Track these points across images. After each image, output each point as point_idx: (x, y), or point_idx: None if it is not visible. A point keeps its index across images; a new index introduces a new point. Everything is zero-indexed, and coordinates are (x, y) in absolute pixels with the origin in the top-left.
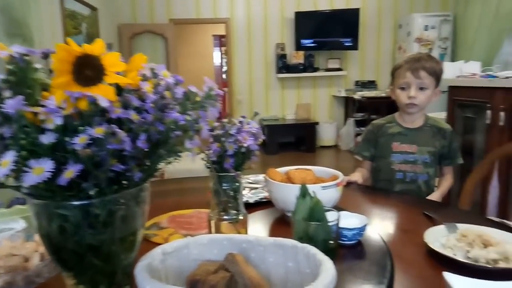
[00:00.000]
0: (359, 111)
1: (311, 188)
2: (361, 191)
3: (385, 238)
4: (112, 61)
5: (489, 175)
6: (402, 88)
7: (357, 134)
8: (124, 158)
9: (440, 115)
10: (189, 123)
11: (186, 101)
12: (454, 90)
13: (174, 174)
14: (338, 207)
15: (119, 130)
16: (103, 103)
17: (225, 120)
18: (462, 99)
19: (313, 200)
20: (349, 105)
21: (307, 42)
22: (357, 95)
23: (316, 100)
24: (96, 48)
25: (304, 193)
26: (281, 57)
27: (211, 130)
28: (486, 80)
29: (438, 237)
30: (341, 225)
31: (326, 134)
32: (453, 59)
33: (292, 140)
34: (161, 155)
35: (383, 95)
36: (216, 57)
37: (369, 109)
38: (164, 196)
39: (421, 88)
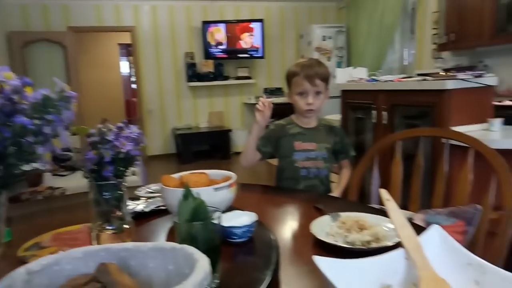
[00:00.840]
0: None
1: (203, 190)
2: (260, 191)
3: (277, 232)
4: None
5: (371, 168)
6: (300, 94)
7: None
8: None
9: (336, 117)
10: (39, 128)
11: (41, 105)
12: (345, 94)
13: (78, 189)
14: (233, 207)
15: None
16: None
17: (100, 125)
18: (353, 101)
19: (196, 201)
20: None
21: (215, 51)
22: None
23: (228, 107)
24: None
25: (186, 195)
26: (191, 66)
27: (88, 136)
28: (371, 84)
29: (323, 227)
30: (232, 223)
31: (240, 141)
32: (348, 66)
33: (207, 148)
34: (12, 163)
35: (290, 100)
36: (124, 66)
37: (278, 114)
38: (50, 214)
39: (317, 93)
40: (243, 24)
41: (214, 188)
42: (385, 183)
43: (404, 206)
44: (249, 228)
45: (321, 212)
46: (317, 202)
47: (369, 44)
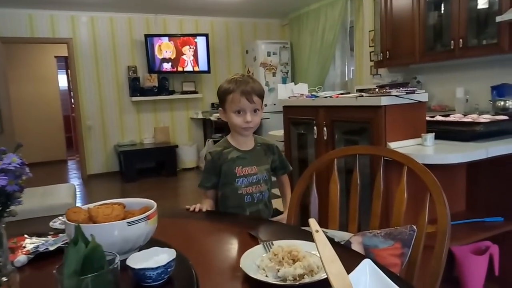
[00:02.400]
0: (217, 132)
1: (114, 225)
2: (192, 217)
3: (203, 268)
4: None
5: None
6: (237, 112)
7: None
8: None
9: (279, 133)
10: None
11: None
12: (287, 109)
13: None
14: (155, 241)
15: None
16: None
17: None
18: (294, 117)
19: (89, 246)
20: (207, 126)
21: (160, 65)
22: (214, 117)
23: (174, 123)
24: None
25: (76, 238)
26: (134, 80)
27: None
28: (311, 100)
29: (255, 259)
30: (146, 265)
31: (187, 157)
32: (293, 82)
33: (153, 165)
34: None
35: None
36: (62, 80)
37: (225, 129)
38: None
39: (254, 111)
40: (186, 38)
41: (128, 222)
42: (326, 202)
43: (346, 225)
44: (165, 269)
45: (255, 240)
46: (253, 228)
47: (312, 60)
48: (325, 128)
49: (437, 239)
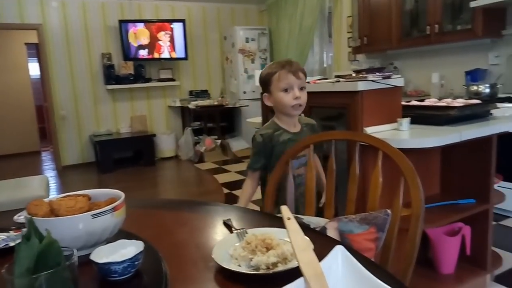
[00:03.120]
0: (195, 120)
1: (78, 218)
2: (166, 207)
3: (175, 259)
4: None
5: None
6: (285, 91)
7: (196, 143)
8: None
9: (257, 120)
10: None
11: None
12: None
13: None
14: (124, 233)
15: None
16: None
17: None
18: None
19: (43, 242)
20: (186, 114)
21: (136, 52)
22: (192, 105)
23: (151, 111)
24: None
25: (28, 234)
26: (109, 68)
27: None
28: None
29: (227, 248)
30: (112, 259)
31: (165, 145)
32: None
33: (130, 155)
34: None
35: (216, 103)
36: (34, 68)
37: (204, 117)
38: None
39: (301, 88)
40: (162, 24)
41: (92, 215)
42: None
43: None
44: (131, 262)
45: (230, 229)
46: (228, 216)
47: (291, 46)
48: (302, 114)
49: (411, 222)
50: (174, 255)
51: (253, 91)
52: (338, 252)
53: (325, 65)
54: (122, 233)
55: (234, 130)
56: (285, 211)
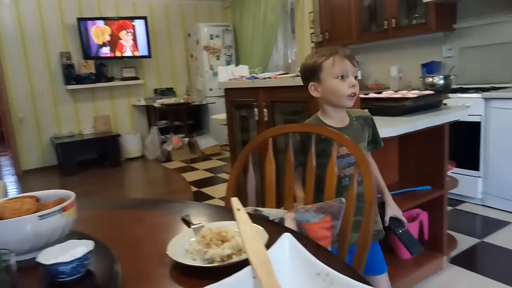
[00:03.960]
0: (161, 119)
1: (25, 220)
2: (122, 205)
3: (128, 258)
4: None
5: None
6: (341, 78)
7: (163, 142)
8: None
9: (222, 116)
10: None
11: None
12: (229, 92)
13: None
14: (75, 234)
15: None
16: None
17: None
18: (236, 99)
19: None
20: (151, 113)
21: (97, 50)
22: (157, 103)
23: (115, 111)
24: None
25: None
26: (68, 67)
27: None
28: (250, 82)
29: (183, 244)
30: (60, 259)
31: (131, 145)
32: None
33: (94, 157)
34: None
35: (182, 101)
36: None
37: (170, 116)
38: None
39: (355, 77)
40: (123, 21)
41: (39, 216)
42: (259, 182)
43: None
44: (80, 262)
45: (188, 225)
46: (186, 213)
47: (255, 43)
48: (265, 110)
49: (364, 211)
50: (129, 254)
51: (220, 88)
52: (285, 240)
53: (289, 61)
54: (75, 234)
55: (201, 127)
56: (235, 203)
